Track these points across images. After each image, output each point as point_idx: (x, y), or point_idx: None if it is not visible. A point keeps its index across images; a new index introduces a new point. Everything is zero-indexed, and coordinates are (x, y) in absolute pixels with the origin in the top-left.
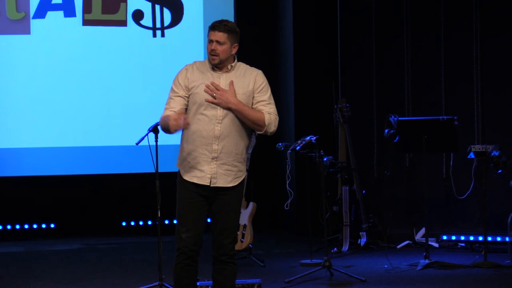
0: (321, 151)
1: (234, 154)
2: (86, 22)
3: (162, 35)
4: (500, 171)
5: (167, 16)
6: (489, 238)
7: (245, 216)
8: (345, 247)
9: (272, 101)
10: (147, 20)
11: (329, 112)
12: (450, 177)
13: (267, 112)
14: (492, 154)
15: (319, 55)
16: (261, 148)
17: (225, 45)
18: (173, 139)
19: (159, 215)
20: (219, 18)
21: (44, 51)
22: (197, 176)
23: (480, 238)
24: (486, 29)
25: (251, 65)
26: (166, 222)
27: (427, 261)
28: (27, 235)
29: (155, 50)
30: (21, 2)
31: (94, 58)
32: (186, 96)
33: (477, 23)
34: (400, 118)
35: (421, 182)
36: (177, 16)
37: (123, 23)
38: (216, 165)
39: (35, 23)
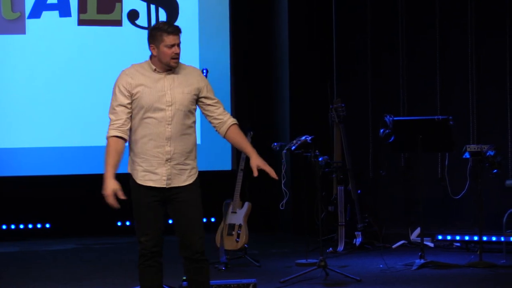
0: (317, 151)
1: (186, 153)
2: (81, 22)
3: None
4: (495, 171)
5: (162, 16)
6: (484, 238)
7: (240, 216)
8: (341, 247)
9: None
10: (142, 20)
11: (324, 112)
12: (446, 177)
13: (224, 113)
14: (488, 154)
15: (314, 55)
16: (256, 148)
17: (180, 47)
18: None
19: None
20: (215, 18)
21: (40, 51)
22: (152, 180)
23: (476, 238)
24: (482, 27)
25: (246, 66)
26: None
27: (422, 261)
28: (22, 235)
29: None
30: (16, 2)
31: (90, 58)
32: (129, 104)
33: (473, 22)
34: (395, 118)
35: (417, 182)
36: (173, 16)
37: (118, 23)
38: (170, 166)
39: (30, 23)
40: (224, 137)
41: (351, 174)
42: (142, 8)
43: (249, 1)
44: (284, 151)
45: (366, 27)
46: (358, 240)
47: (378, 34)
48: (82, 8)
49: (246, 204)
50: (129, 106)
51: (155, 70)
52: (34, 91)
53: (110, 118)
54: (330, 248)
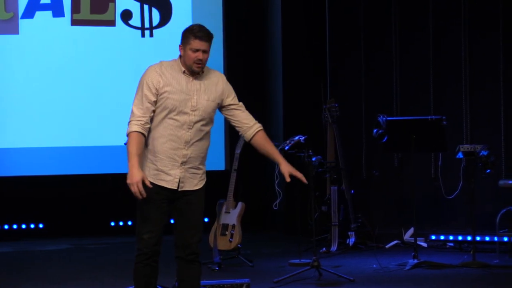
0: (310, 151)
1: (201, 157)
2: (74, 22)
3: (151, 35)
4: (488, 171)
5: (156, 16)
6: (478, 238)
7: (233, 216)
8: (334, 247)
9: None
10: (135, 20)
11: (317, 112)
12: (439, 177)
13: (249, 117)
14: (481, 154)
15: (308, 55)
16: (250, 148)
17: (207, 54)
18: None
19: None
20: (208, 18)
21: (33, 51)
22: (164, 180)
23: (469, 238)
24: (475, 28)
25: (239, 66)
26: None
27: (415, 261)
28: (16, 235)
29: (143, 50)
30: (9, 2)
31: (83, 58)
32: (155, 102)
33: (466, 22)
34: (388, 118)
35: (410, 182)
36: (166, 16)
37: (111, 23)
38: (184, 169)
39: (23, 23)
40: (250, 142)
41: (344, 174)
42: (135, 8)
43: (242, 2)
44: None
45: (359, 28)
46: (351, 240)
47: (371, 34)
48: (75, 8)
49: (240, 204)
50: (154, 104)
51: (184, 72)
52: (28, 91)
53: (133, 112)
54: (324, 248)
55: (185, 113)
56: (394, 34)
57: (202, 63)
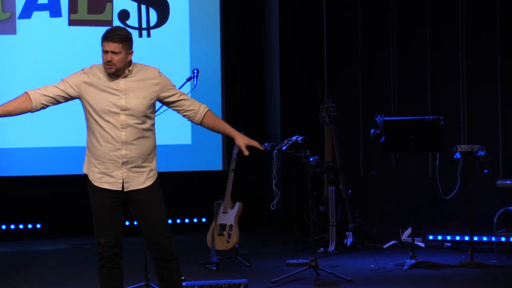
0: (307, 151)
1: (144, 156)
2: (72, 22)
3: (148, 35)
4: (486, 171)
5: (153, 16)
6: (475, 238)
7: (231, 216)
8: (332, 247)
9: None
10: (133, 20)
11: (315, 112)
12: (436, 177)
13: (194, 102)
14: (478, 154)
15: (305, 55)
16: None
17: (121, 55)
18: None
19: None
20: (205, 18)
21: (31, 51)
22: (108, 182)
23: (466, 238)
24: (472, 26)
25: (237, 66)
26: None
27: (413, 261)
28: (13, 235)
29: (141, 50)
30: (6, 2)
31: (81, 58)
32: (64, 95)
33: (463, 20)
34: (386, 118)
35: (408, 182)
36: (163, 16)
37: (109, 23)
38: (127, 169)
39: (21, 23)
40: (201, 124)
41: (342, 174)
42: (132, 8)
43: (240, 2)
44: (275, 151)
45: (357, 27)
46: (349, 240)
47: (369, 33)
48: (72, 8)
49: (237, 204)
50: (62, 96)
51: (109, 74)
52: (24, 91)
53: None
54: (321, 248)
55: (115, 113)
56: (392, 32)
57: (112, 64)
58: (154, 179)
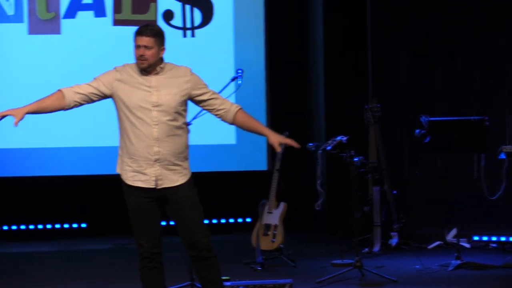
0: (352, 151)
1: (176, 154)
2: (116, 22)
3: (193, 35)
4: None
5: (198, 16)
6: None
7: (276, 216)
8: (376, 248)
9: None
10: (177, 20)
11: (359, 112)
12: (481, 178)
13: (225, 102)
14: None
15: (350, 55)
16: (292, 148)
17: (153, 49)
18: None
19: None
20: (249, 18)
21: (75, 51)
22: (141, 180)
23: None
24: None
25: (281, 66)
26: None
27: (458, 261)
28: (58, 234)
29: (185, 50)
30: (51, 2)
31: (125, 58)
32: (97, 93)
33: (507, 16)
34: (430, 119)
35: (452, 182)
36: (207, 16)
37: (153, 23)
38: (160, 167)
39: (65, 23)
40: (233, 123)
41: (386, 174)
42: (177, 8)
43: (284, 1)
44: (320, 151)
45: (401, 25)
46: (394, 241)
47: (414, 32)
48: (117, 8)
49: (282, 204)
50: (95, 93)
51: (141, 71)
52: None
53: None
54: (366, 249)
55: (147, 109)
56: (437, 31)
57: (144, 59)
58: (187, 178)
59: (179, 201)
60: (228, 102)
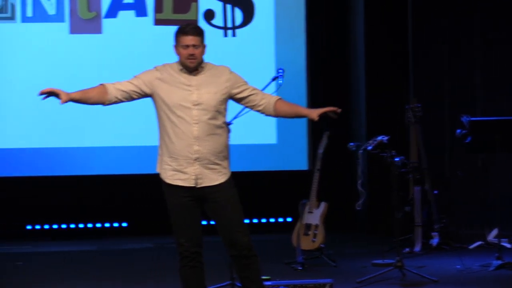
0: (393, 151)
1: (216, 153)
2: (157, 22)
3: (234, 34)
4: None
5: (238, 15)
6: None
7: (316, 216)
8: (417, 248)
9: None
10: (218, 20)
11: (400, 112)
12: None
13: (265, 95)
14: None
15: (391, 54)
16: (333, 148)
17: (200, 48)
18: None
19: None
20: (290, 18)
21: (115, 51)
22: (181, 179)
23: None
24: None
25: (322, 65)
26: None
27: (499, 261)
28: (99, 233)
29: (226, 50)
30: (92, 2)
31: (165, 58)
32: (138, 91)
33: None
34: (472, 119)
35: (494, 182)
36: (248, 16)
37: (194, 22)
38: (199, 166)
39: (106, 23)
40: (276, 114)
41: (427, 174)
42: (218, 8)
43: (325, 1)
44: (360, 151)
45: (443, 27)
46: (434, 241)
47: (455, 31)
48: (158, 7)
49: (323, 204)
50: (135, 91)
51: (181, 69)
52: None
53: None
54: (407, 249)
55: (187, 108)
56: (478, 30)
57: (194, 58)
58: (227, 177)
59: (219, 200)
60: (268, 95)
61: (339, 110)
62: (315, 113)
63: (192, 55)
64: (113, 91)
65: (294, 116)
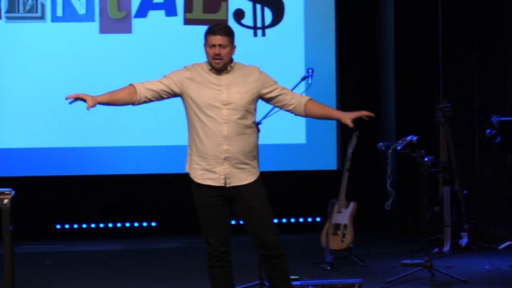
0: (422, 151)
1: (245, 152)
2: (187, 22)
3: (263, 34)
4: None
5: (268, 15)
6: None
7: (345, 216)
8: (446, 248)
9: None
10: (248, 20)
11: (430, 111)
12: None
13: (295, 95)
14: None
15: (421, 54)
16: (362, 148)
17: (227, 48)
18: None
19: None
20: (320, 17)
21: (145, 50)
22: (210, 178)
23: None
24: None
25: (352, 65)
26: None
27: None
28: (128, 233)
29: (256, 50)
30: (122, 2)
31: (195, 57)
32: (168, 90)
33: None
34: (501, 118)
35: None
36: (278, 16)
37: (224, 22)
38: (229, 165)
39: (136, 22)
40: (306, 115)
41: (457, 174)
42: (247, 7)
43: (355, 1)
44: (390, 151)
45: (472, 25)
46: (464, 241)
47: (485, 33)
48: (188, 7)
49: (352, 203)
50: (165, 91)
51: (211, 69)
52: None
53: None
54: (436, 249)
55: (217, 108)
56: (508, 32)
57: (220, 58)
58: (256, 177)
59: (248, 200)
60: (298, 95)
61: (372, 115)
62: (348, 118)
63: (217, 54)
64: (143, 91)
65: (325, 117)
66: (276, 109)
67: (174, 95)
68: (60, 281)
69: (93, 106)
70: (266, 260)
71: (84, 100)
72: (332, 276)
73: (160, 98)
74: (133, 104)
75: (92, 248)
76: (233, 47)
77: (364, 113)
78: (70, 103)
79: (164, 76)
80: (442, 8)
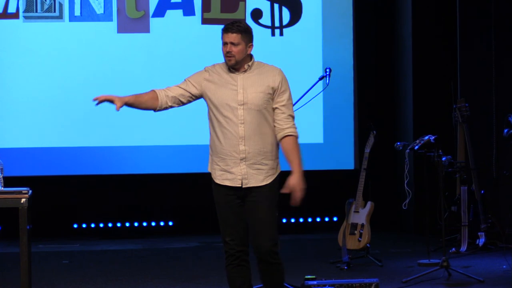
0: (440, 150)
1: (263, 152)
2: (205, 21)
3: (281, 34)
4: None
5: (286, 15)
6: None
7: (363, 216)
8: (463, 247)
9: (291, 101)
10: (265, 19)
11: (447, 111)
12: None
13: (285, 121)
14: None
15: (438, 54)
16: (379, 148)
17: (240, 46)
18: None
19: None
20: (338, 17)
21: (163, 50)
22: (228, 179)
23: None
24: None
25: (370, 65)
26: (284, 220)
27: None
28: (145, 232)
29: (274, 49)
30: (140, 1)
31: (213, 57)
32: (189, 94)
33: None
34: None
35: None
36: (296, 15)
37: (241, 20)
38: (246, 166)
39: (154, 22)
40: (279, 143)
41: (474, 174)
42: (265, 7)
43: (373, 1)
44: (407, 150)
45: (490, 25)
46: (481, 241)
47: (502, 31)
48: (206, 7)
49: (369, 203)
50: (186, 95)
51: (229, 69)
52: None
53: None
54: (453, 249)
55: (233, 108)
56: None
57: (231, 55)
58: (273, 178)
59: (255, 200)
60: (288, 123)
61: (296, 204)
62: (291, 184)
63: (229, 52)
64: (163, 98)
65: (286, 159)
66: (295, 107)
67: (195, 97)
68: (76, 280)
69: (122, 106)
70: (259, 263)
71: (112, 101)
72: (348, 276)
73: (181, 103)
74: (154, 110)
75: (109, 248)
76: (249, 45)
77: (295, 200)
78: (97, 104)
79: (184, 80)
80: (459, 8)
